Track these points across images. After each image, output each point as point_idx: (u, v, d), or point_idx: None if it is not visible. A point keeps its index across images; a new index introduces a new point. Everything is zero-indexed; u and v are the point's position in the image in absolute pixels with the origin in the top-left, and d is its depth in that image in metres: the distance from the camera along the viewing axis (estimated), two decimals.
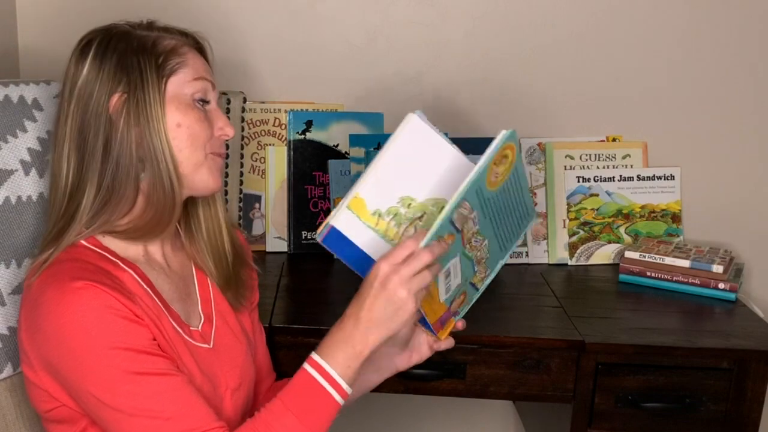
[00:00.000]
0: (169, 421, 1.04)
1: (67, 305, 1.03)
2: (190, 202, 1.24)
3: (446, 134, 1.26)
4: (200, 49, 1.21)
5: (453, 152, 1.25)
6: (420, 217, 1.24)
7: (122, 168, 1.12)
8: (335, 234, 1.25)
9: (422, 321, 1.24)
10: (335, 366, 1.09)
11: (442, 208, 1.19)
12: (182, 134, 1.13)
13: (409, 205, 1.24)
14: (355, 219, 1.25)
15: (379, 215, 1.25)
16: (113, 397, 1.04)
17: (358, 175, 1.29)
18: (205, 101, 1.17)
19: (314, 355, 1.10)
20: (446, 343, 1.27)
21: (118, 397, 1.04)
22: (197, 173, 1.16)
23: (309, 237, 1.88)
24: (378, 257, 1.16)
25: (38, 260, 1.12)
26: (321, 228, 1.24)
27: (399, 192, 1.25)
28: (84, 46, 1.14)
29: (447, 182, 1.24)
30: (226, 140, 1.20)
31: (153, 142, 1.11)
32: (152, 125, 1.11)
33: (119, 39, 1.14)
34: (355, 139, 1.86)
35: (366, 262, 1.22)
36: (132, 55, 1.12)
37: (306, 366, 1.10)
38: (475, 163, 1.17)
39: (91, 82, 1.12)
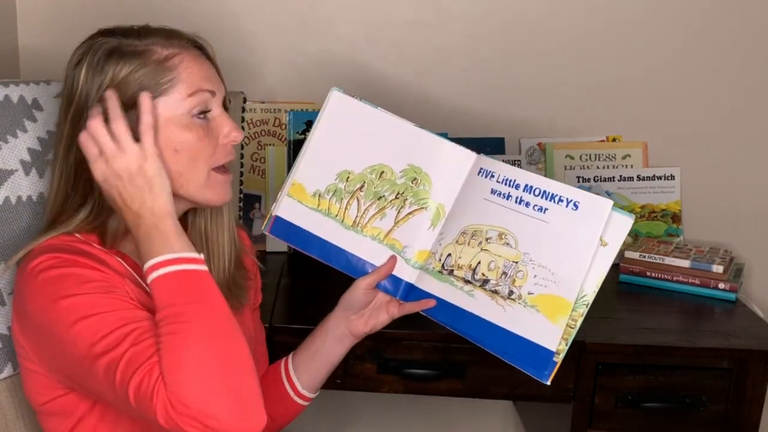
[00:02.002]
0: (124, 359, 0.98)
1: (31, 276, 1.05)
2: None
3: (377, 106, 1.27)
4: (199, 49, 1.15)
5: (381, 114, 1.26)
6: (360, 188, 1.26)
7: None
8: (280, 223, 1.28)
9: (381, 286, 1.26)
10: (164, 252, 1.02)
11: (381, 173, 1.24)
12: (181, 158, 1.10)
13: (348, 178, 1.26)
14: (296, 204, 1.28)
15: (320, 195, 1.27)
16: (89, 312, 1.01)
17: None
18: (205, 112, 1.12)
19: (145, 266, 1.03)
20: (407, 308, 1.25)
21: (94, 313, 1.01)
22: (199, 193, 1.13)
23: None
24: (325, 235, 1.24)
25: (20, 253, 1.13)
26: (266, 220, 1.27)
27: (335, 168, 1.26)
28: (76, 65, 1.11)
29: (382, 146, 1.26)
30: (234, 144, 1.16)
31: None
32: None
33: (107, 56, 1.09)
34: None
35: (315, 242, 1.26)
36: (109, 74, 1.08)
37: (150, 279, 1.02)
38: (411, 125, 1.24)
39: (82, 104, 1.10)
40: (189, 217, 1.24)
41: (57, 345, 1.04)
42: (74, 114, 1.10)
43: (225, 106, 1.17)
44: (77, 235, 1.12)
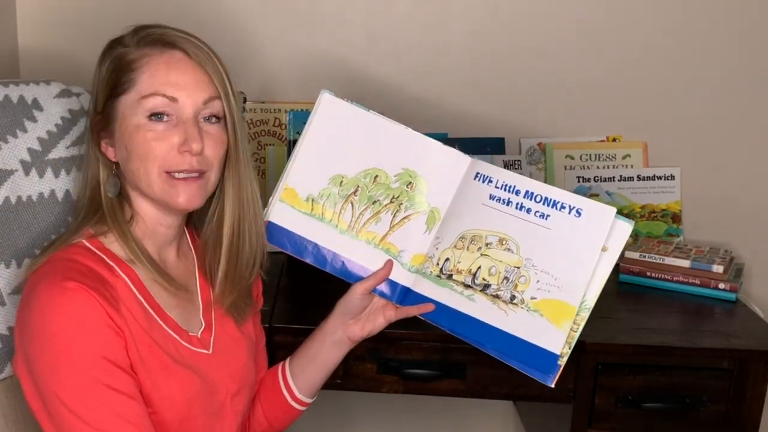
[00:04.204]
0: None
1: (56, 305, 1.03)
2: (203, 210, 1.22)
3: (368, 109, 1.26)
4: (188, 56, 1.13)
5: (373, 118, 1.25)
6: (354, 192, 1.26)
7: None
8: (273, 228, 1.28)
9: (377, 291, 1.26)
10: None
11: (375, 177, 1.23)
12: (132, 156, 1.12)
13: (341, 182, 1.26)
14: (289, 209, 1.27)
15: (313, 200, 1.26)
16: (78, 404, 1.02)
17: None
18: (159, 114, 1.11)
19: None
20: (404, 312, 1.26)
21: (83, 405, 1.02)
22: (155, 193, 1.13)
23: None
24: (319, 240, 1.24)
25: (37, 256, 1.14)
26: None
27: (328, 172, 1.26)
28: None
29: (375, 149, 1.25)
30: (196, 154, 1.11)
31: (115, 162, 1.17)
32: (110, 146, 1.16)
33: (103, 56, 1.16)
34: None
35: (309, 247, 1.26)
36: (98, 74, 1.16)
37: None
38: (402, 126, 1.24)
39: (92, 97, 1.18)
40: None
41: (52, 375, 1.04)
42: (90, 105, 1.19)
43: (230, 111, 1.15)
44: (86, 242, 1.13)
